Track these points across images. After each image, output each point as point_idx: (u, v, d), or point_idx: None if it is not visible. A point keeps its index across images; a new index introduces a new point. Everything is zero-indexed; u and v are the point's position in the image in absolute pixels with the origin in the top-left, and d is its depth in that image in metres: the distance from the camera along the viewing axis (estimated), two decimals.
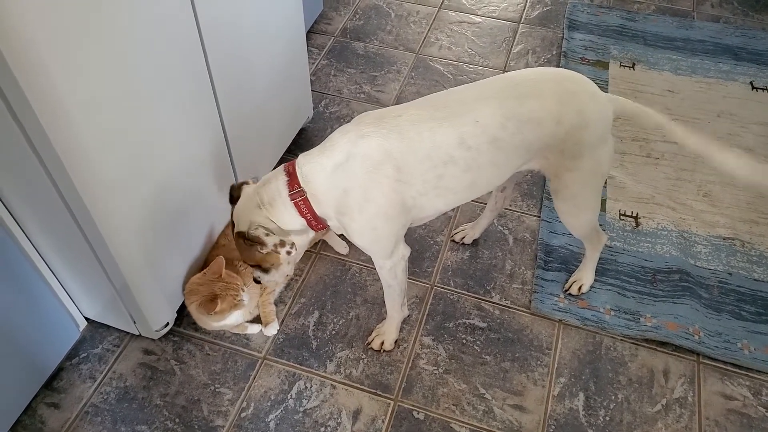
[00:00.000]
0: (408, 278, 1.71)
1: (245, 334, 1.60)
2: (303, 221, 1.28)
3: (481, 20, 2.59)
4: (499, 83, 1.27)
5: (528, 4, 2.68)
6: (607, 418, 1.46)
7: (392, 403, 1.48)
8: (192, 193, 1.47)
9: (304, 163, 1.25)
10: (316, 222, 1.28)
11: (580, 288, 1.67)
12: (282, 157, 1.99)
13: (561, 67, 2.33)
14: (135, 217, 1.29)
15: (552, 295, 1.67)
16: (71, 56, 0.99)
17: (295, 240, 1.29)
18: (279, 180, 1.26)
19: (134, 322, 1.53)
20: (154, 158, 1.29)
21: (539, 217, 1.86)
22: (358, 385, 1.51)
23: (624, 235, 1.82)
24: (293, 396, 1.49)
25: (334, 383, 1.51)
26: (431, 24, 2.57)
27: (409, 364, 1.55)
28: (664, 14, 2.61)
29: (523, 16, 2.62)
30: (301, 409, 1.47)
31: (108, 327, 1.60)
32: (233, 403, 1.48)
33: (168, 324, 1.56)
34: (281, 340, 1.59)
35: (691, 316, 1.62)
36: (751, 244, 1.80)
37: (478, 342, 1.59)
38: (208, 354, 1.57)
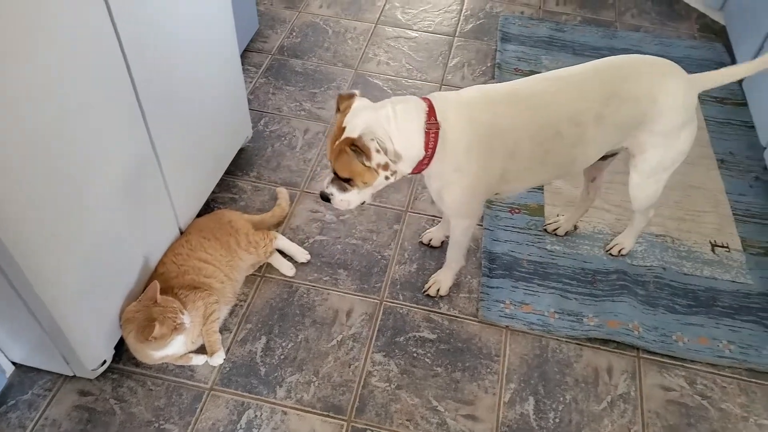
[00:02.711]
0: (357, 294, 1.71)
1: (190, 366, 1.54)
2: (420, 155, 1.31)
3: (417, 35, 2.63)
4: (602, 65, 1.40)
5: (462, 18, 2.75)
6: (557, 420, 1.49)
7: (345, 424, 1.46)
8: (124, 223, 1.41)
9: (441, 100, 1.31)
10: (427, 163, 1.33)
11: (620, 251, 1.80)
12: (221, 179, 1.95)
13: (495, 78, 2.40)
14: (61, 253, 1.22)
15: (498, 301, 1.70)
16: None
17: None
18: (419, 106, 1.30)
19: (67, 363, 1.44)
20: (78, 189, 1.23)
21: (482, 225, 1.89)
22: (310, 409, 1.48)
23: (563, 238, 1.87)
24: (243, 426, 1.44)
25: (285, 409, 1.48)
26: (368, 40, 2.59)
27: (361, 383, 1.53)
28: (589, 25, 2.74)
29: (458, 29, 2.68)
30: None
31: (38, 370, 1.51)
32: None
33: (105, 362, 1.48)
34: (228, 368, 1.55)
35: (630, 313, 1.68)
36: (680, 240, 1.89)
37: (428, 354, 1.60)
38: (151, 389, 1.50)
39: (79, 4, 1.12)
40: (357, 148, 1.25)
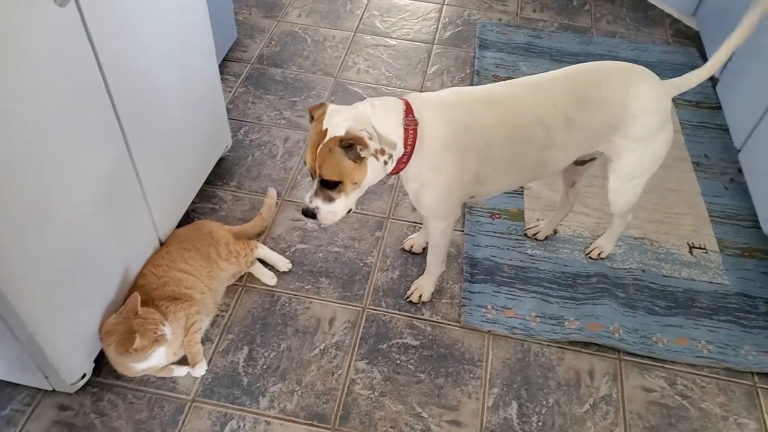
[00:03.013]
0: (339, 302, 1.71)
1: (171, 377, 1.53)
2: (400, 152, 1.31)
3: (396, 43, 2.65)
4: (573, 71, 1.42)
5: (440, 25, 2.77)
6: (540, 424, 1.50)
7: None
8: (102, 235, 1.40)
9: (419, 100, 1.33)
10: (406, 162, 1.33)
11: (600, 254, 1.83)
12: (201, 189, 1.94)
13: (474, 83, 2.42)
14: (37, 266, 1.21)
15: (480, 306, 1.71)
16: None
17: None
18: (397, 104, 1.31)
19: (46, 378, 1.42)
20: (54, 202, 1.22)
21: (463, 231, 1.91)
22: (294, 418, 1.47)
23: (544, 242, 1.89)
24: None
25: (268, 419, 1.47)
26: (348, 48, 2.60)
27: (345, 391, 1.53)
28: (566, 31, 2.78)
29: (436, 37, 2.70)
30: None
31: (16, 385, 1.48)
32: None
33: (85, 375, 1.47)
34: (210, 379, 1.54)
35: (611, 316, 1.70)
36: (658, 242, 1.92)
37: (411, 361, 1.60)
38: (132, 402, 1.48)
39: (53, 18, 1.11)
40: (349, 141, 1.22)
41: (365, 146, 1.23)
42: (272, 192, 1.93)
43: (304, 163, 1.36)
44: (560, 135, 1.38)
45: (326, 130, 1.26)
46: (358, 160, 1.26)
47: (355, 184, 1.31)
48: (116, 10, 1.30)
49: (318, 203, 1.31)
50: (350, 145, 1.23)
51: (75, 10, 1.17)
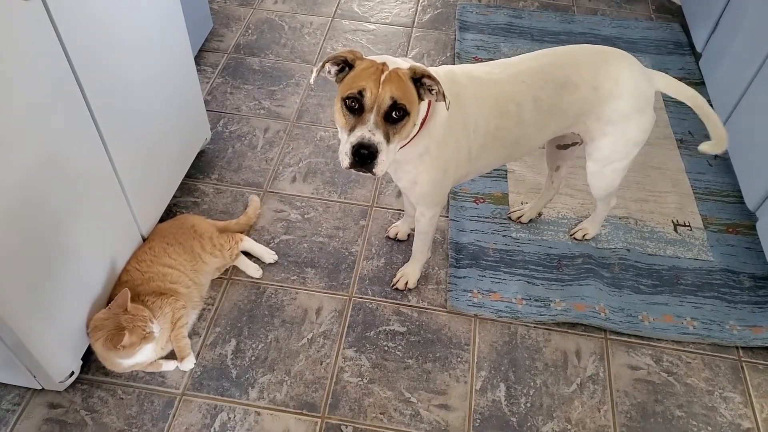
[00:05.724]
0: (325, 292, 1.71)
1: (160, 372, 1.53)
2: (422, 118, 1.26)
3: (375, 27, 2.62)
4: (545, 52, 1.43)
5: (419, 8, 2.74)
6: (528, 405, 1.51)
7: (319, 421, 1.46)
8: (83, 233, 1.38)
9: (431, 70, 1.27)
10: (415, 135, 1.28)
11: (585, 236, 1.84)
12: (182, 183, 1.92)
13: None
14: (16, 267, 1.19)
15: (466, 291, 1.71)
16: None
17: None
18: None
19: (34, 377, 1.41)
20: (30, 200, 1.20)
21: (447, 217, 1.90)
22: (283, 408, 1.48)
23: (528, 225, 1.89)
24: (217, 429, 1.44)
25: (258, 410, 1.47)
26: (326, 34, 2.57)
27: (333, 379, 1.53)
28: (547, 10, 2.75)
29: (416, 20, 2.67)
30: None
31: (5, 385, 1.48)
32: None
33: (73, 373, 1.46)
34: (199, 373, 1.53)
35: (596, 296, 1.71)
36: (643, 221, 1.92)
37: (399, 347, 1.61)
38: (122, 398, 1.48)
39: (18, 12, 1.08)
40: (422, 74, 1.16)
41: (435, 83, 1.16)
42: (255, 200, 1.88)
43: (354, 99, 1.16)
44: (530, 113, 1.39)
45: (385, 63, 1.17)
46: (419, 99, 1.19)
47: (414, 123, 1.20)
48: (84, 2, 1.27)
49: (380, 138, 1.14)
50: (420, 79, 1.17)
51: (40, 3, 1.14)
